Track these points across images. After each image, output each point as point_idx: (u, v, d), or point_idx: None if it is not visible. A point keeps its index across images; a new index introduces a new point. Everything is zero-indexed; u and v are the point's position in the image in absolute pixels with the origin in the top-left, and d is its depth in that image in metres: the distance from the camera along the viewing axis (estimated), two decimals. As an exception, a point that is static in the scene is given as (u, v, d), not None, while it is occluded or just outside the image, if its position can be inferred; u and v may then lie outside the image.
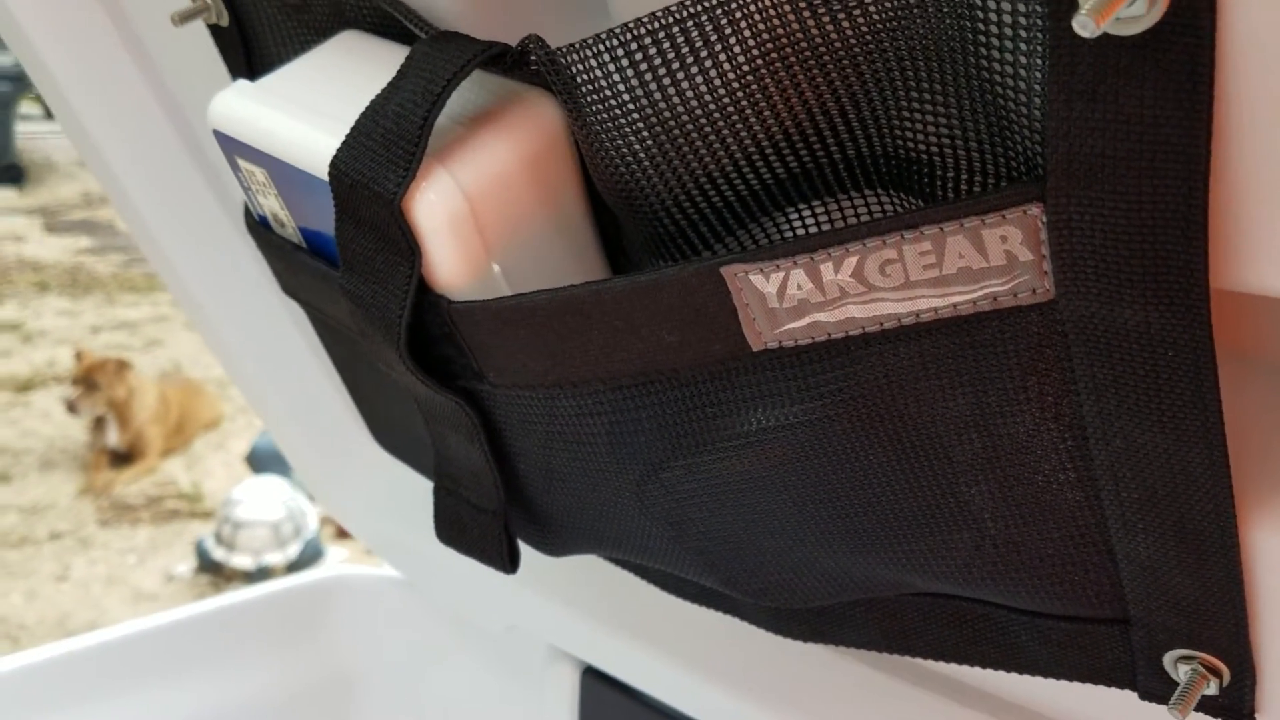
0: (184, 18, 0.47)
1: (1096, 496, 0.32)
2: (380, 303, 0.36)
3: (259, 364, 0.60)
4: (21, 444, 3.18)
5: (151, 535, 2.79)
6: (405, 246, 0.34)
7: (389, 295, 0.35)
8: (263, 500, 2.60)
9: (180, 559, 2.68)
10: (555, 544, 0.44)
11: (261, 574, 2.54)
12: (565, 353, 0.35)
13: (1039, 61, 0.26)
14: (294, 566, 2.56)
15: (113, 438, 3.07)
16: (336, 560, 2.61)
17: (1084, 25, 0.23)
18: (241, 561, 2.55)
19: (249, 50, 0.48)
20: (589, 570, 0.59)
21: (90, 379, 3.01)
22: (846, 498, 0.35)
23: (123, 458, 3.10)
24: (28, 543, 2.74)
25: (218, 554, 2.57)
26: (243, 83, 0.40)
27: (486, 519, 0.42)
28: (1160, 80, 0.24)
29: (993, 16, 0.27)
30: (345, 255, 0.36)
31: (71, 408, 3.01)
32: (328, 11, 0.44)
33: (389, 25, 0.42)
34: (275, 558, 2.56)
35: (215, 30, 0.49)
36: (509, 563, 0.42)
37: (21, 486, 2.98)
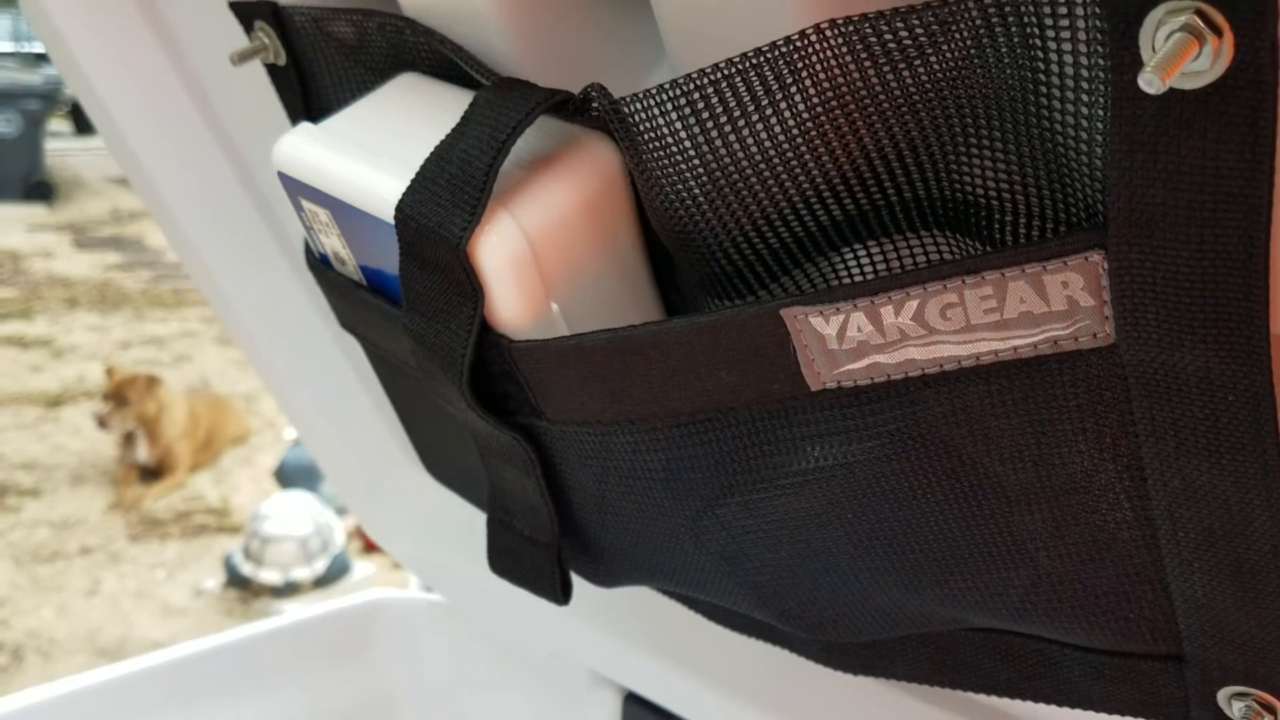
0: (242, 57, 0.48)
1: (1153, 535, 0.33)
2: (443, 342, 0.37)
3: (308, 392, 0.61)
4: (52, 459, 3.21)
5: (180, 550, 2.82)
6: (469, 288, 0.35)
7: (452, 335, 0.36)
8: (290, 515, 2.61)
9: (208, 574, 2.70)
10: (607, 576, 0.45)
11: (289, 588, 2.55)
12: (623, 391, 0.36)
13: (1100, 112, 0.27)
14: (321, 581, 2.58)
15: (142, 453, 3.10)
16: (363, 575, 2.63)
17: (1150, 82, 0.24)
18: (269, 576, 2.56)
19: (305, 89, 0.49)
20: (632, 596, 0.60)
21: (121, 394, 3.04)
22: (902, 535, 0.36)
23: (152, 473, 3.13)
24: (59, 557, 2.77)
25: (246, 569, 2.59)
26: (306, 125, 0.41)
27: (540, 551, 0.42)
28: (1222, 132, 0.24)
29: (1054, 69, 0.27)
30: (409, 295, 0.37)
31: (102, 423, 3.04)
32: (384, 53, 0.45)
33: (446, 67, 0.42)
34: (303, 572, 2.57)
35: (272, 70, 0.50)
36: (561, 594, 0.42)
37: (52, 501, 3.01)
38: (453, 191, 0.34)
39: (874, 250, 0.35)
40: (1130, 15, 0.24)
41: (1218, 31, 0.23)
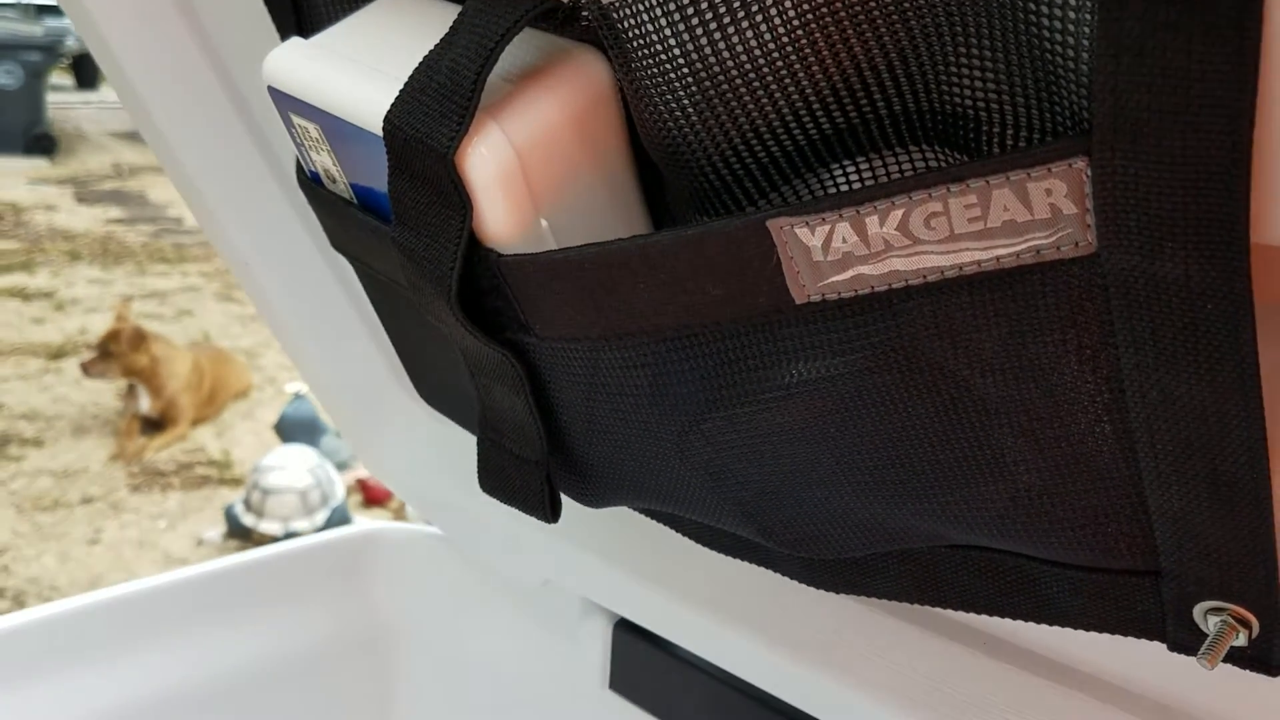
0: None
1: (1131, 449, 0.33)
2: (432, 255, 0.37)
3: (302, 320, 0.61)
4: (54, 410, 3.23)
5: (182, 501, 2.84)
6: (457, 200, 0.35)
7: (441, 248, 0.36)
8: (291, 468, 2.63)
9: (210, 524, 2.72)
10: (595, 495, 0.45)
11: (289, 540, 2.57)
12: (611, 306, 0.36)
13: (1087, 17, 0.27)
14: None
15: (145, 405, 3.11)
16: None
17: None
18: (270, 527, 2.58)
19: (297, 6, 0.49)
20: (622, 524, 0.60)
21: (105, 346, 3.05)
22: (884, 449, 0.36)
23: (155, 425, 3.14)
24: (60, 506, 2.79)
25: (247, 520, 2.61)
26: (296, 40, 0.41)
27: (529, 469, 0.43)
28: (1208, 36, 0.24)
29: None
30: (398, 209, 0.37)
31: (85, 370, 3.06)
32: None
33: None
34: (303, 524, 2.59)
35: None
36: (550, 512, 0.43)
37: (54, 451, 3.03)
38: (441, 102, 0.34)
39: (863, 165, 0.35)
40: None
41: None
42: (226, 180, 0.57)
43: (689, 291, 0.34)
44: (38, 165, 5.87)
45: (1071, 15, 0.27)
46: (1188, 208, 0.27)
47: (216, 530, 2.68)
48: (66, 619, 0.66)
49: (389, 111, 0.36)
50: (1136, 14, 0.25)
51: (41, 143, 5.93)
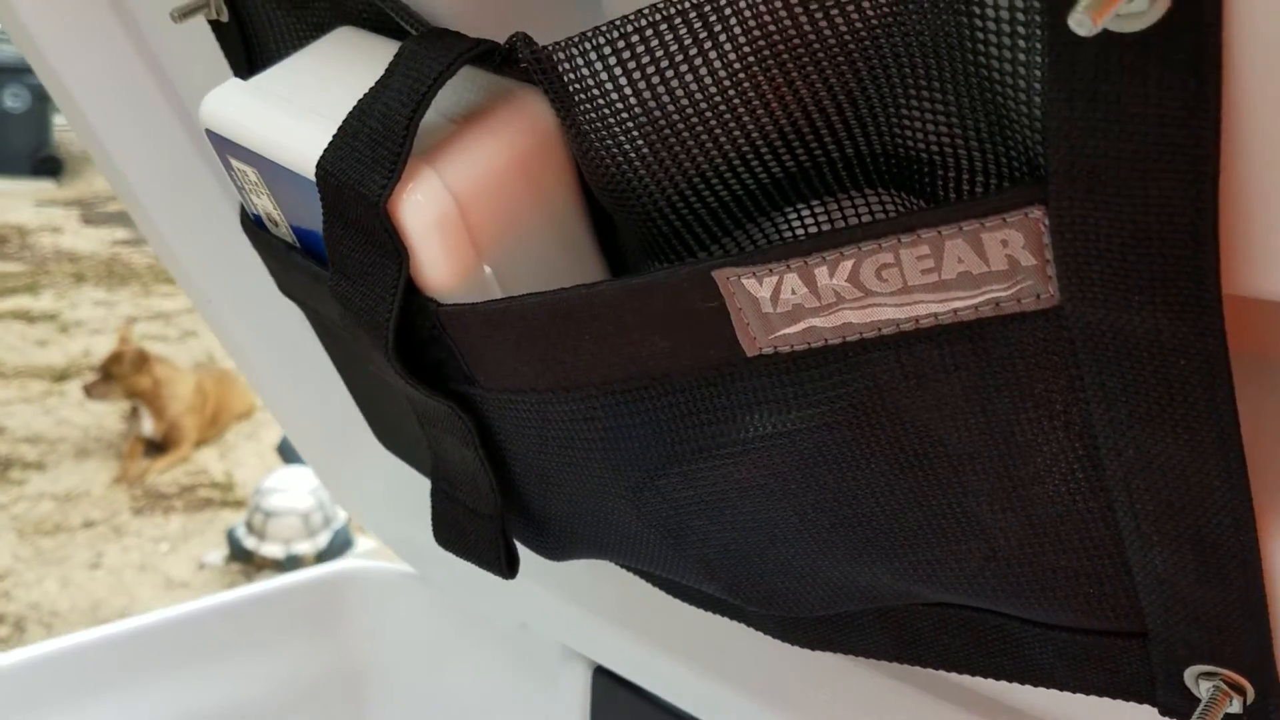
0: (183, 13, 0.47)
1: (1109, 507, 0.31)
2: (368, 305, 0.35)
3: (269, 357, 0.60)
4: (57, 433, 3.22)
5: (184, 523, 2.82)
6: (392, 248, 0.33)
7: (377, 297, 0.35)
8: (293, 490, 2.62)
9: (212, 547, 2.70)
10: (554, 548, 0.43)
11: (292, 562, 2.56)
12: (557, 357, 0.34)
13: (1038, 59, 0.25)
14: (323, 556, 2.58)
15: (148, 427, 3.10)
16: (364, 550, 2.63)
17: (1080, 23, 0.22)
18: (272, 550, 2.57)
19: (249, 47, 0.48)
20: (600, 570, 0.59)
21: (107, 369, 3.05)
22: (848, 507, 0.34)
23: (158, 447, 3.13)
24: (61, 530, 2.78)
25: (249, 543, 2.60)
26: (235, 81, 0.40)
27: (483, 523, 0.41)
28: (1164, 79, 0.23)
29: (989, 13, 0.26)
30: (334, 256, 0.36)
31: (87, 392, 3.06)
32: (327, 7, 0.43)
33: (387, 22, 0.41)
34: (305, 547, 2.58)
35: (216, 26, 0.49)
36: (506, 568, 0.41)
37: (56, 475, 3.02)
38: (373, 147, 0.33)
39: (817, 210, 0.34)
40: None
41: None
42: (187, 216, 0.56)
43: (636, 343, 0.33)
44: (44, 187, 5.89)
45: (1022, 57, 0.26)
46: (1153, 258, 0.25)
47: (218, 553, 2.67)
48: (30, 666, 0.65)
49: (321, 157, 0.34)
50: (1089, 57, 0.24)
51: (48, 165, 5.95)
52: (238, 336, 0.60)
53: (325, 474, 0.66)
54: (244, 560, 2.62)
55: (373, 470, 0.66)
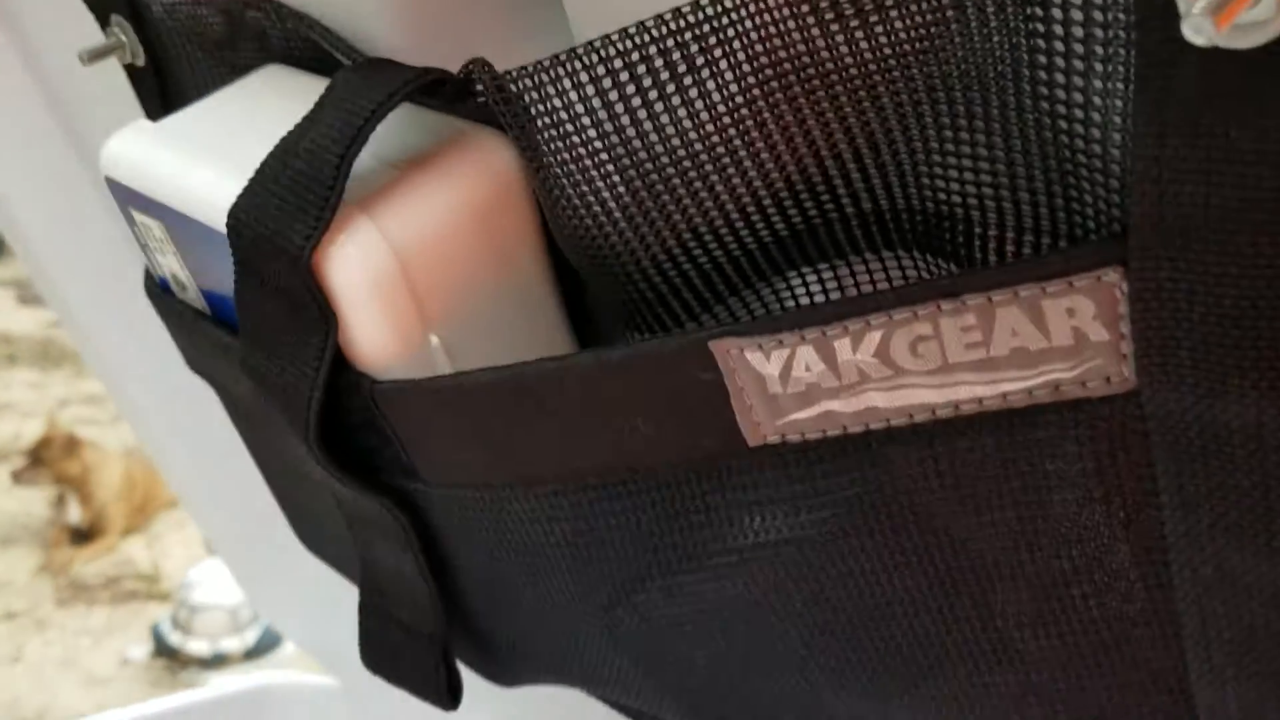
0: (94, 56, 0.42)
1: (1175, 634, 0.26)
2: (286, 382, 0.29)
3: (178, 439, 0.53)
4: (-20, 520, 3.08)
5: (108, 616, 2.70)
6: (317, 314, 0.28)
7: (297, 374, 0.29)
8: (221, 583, 2.50)
9: (136, 642, 2.58)
10: (506, 674, 0.37)
11: (218, 660, 2.45)
12: (517, 445, 0.28)
13: (1120, 86, 0.20)
14: (252, 653, 2.46)
15: (74, 514, 2.99)
16: (294, 650, 2.51)
17: (1199, 29, 0.17)
18: (197, 647, 2.45)
19: (166, 93, 0.42)
20: (559, 699, 0.52)
21: (37, 453, 2.96)
22: (863, 629, 0.29)
23: (84, 535, 3.01)
24: (-19, 622, 2.64)
25: (174, 638, 2.48)
26: (141, 123, 0.34)
27: (421, 644, 0.35)
28: None
29: (1058, 29, 0.21)
30: (246, 324, 0.30)
31: (15, 477, 2.96)
32: (256, 48, 0.38)
33: (324, 62, 0.36)
34: (232, 643, 2.46)
35: (131, 71, 0.43)
36: (447, 697, 0.35)
37: (-22, 564, 2.88)
38: (296, 192, 0.27)
39: (826, 274, 0.29)
40: None
41: None
42: (89, 279, 0.49)
43: (615, 429, 0.27)
44: (-22, 266, 5.75)
45: (1097, 84, 0.21)
46: (1261, 333, 0.21)
47: (143, 648, 2.54)
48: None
49: (234, 204, 0.28)
50: (1188, 81, 0.19)
51: (-17, 243, 5.83)
52: (146, 417, 0.53)
53: (241, 573, 0.59)
54: (169, 656, 2.50)
55: (294, 571, 0.59)
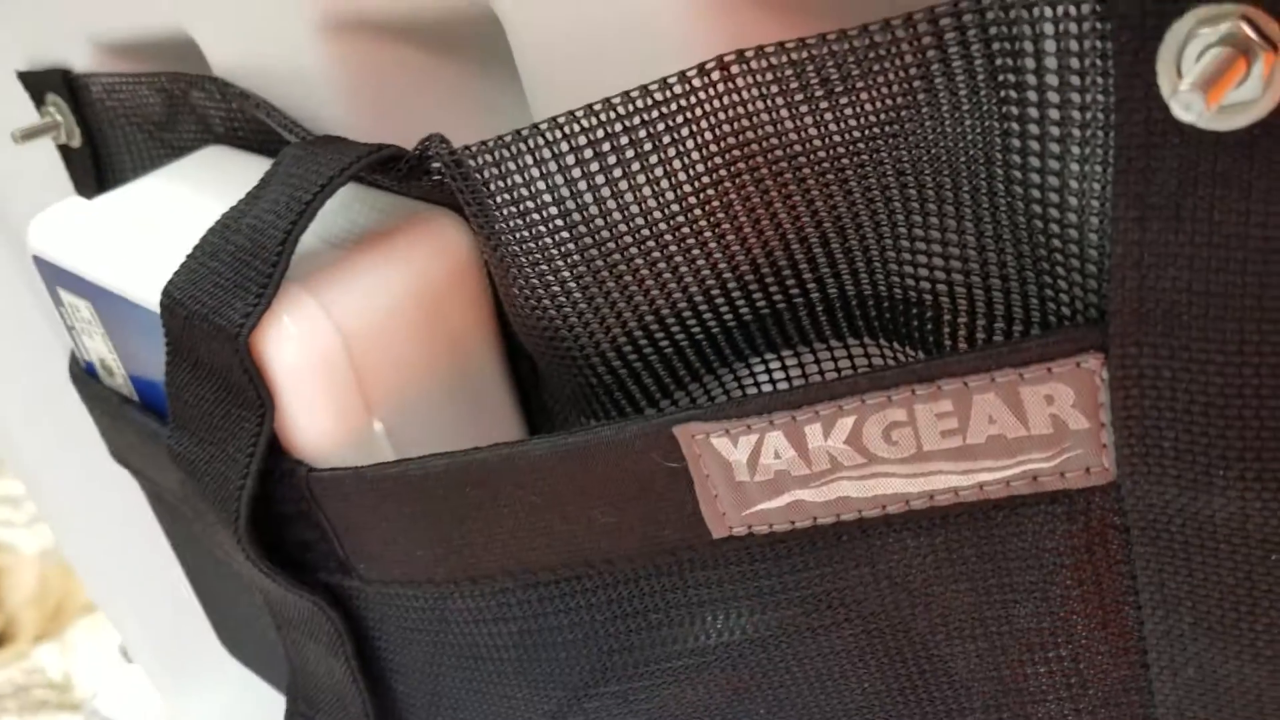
0: (27, 135, 0.40)
1: None
2: (216, 470, 0.27)
3: (100, 540, 0.50)
4: (-123, 628, 2.92)
5: (13, 730, 2.55)
6: (253, 396, 0.26)
7: (228, 460, 0.27)
8: (134, 694, 2.38)
9: (40, 759, 2.43)
10: (444, 790, 0.34)
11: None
12: (464, 538, 0.27)
13: (1098, 169, 0.20)
14: (166, 770, 2.34)
15: (-19, 621, 2.84)
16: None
17: (1188, 105, 0.17)
18: (108, 763, 2.31)
19: (101, 173, 0.41)
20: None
21: None
22: None
23: (-10, 643, 2.86)
24: (-127, 739, 2.47)
25: (82, 753, 2.34)
26: (73, 200, 0.33)
27: (354, 758, 0.32)
28: (1274, 190, 0.18)
29: (1033, 112, 0.21)
30: (176, 408, 0.28)
31: None
32: (198, 129, 0.37)
33: (269, 144, 0.35)
34: (145, 759, 2.33)
35: (65, 152, 0.42)
36: (382, 818, 0.32)
37: (-128, 676, 2.71)
38: (237, 268, 0.26)
39: (790, 362, 0.28)
40: (1146, 29, 0.18)
41: (1272, 46, 0.17)
42: (14, 381, 0.47)
43: (570, 520, 0.25)
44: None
45: (1074, 168, 0.20)
46: (1247, 423, 0.20)
47: (46, 767, 2.39)
48: None
49: (170, 281, 0.27)
50: (1170, 163, 0.18)
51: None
52: (65, 518, 0.50)
53: (161, 684, 0.56)
54: (75, 775, 2.35)
55: (217, 682, 0.55)
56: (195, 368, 0.27)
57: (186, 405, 0.28)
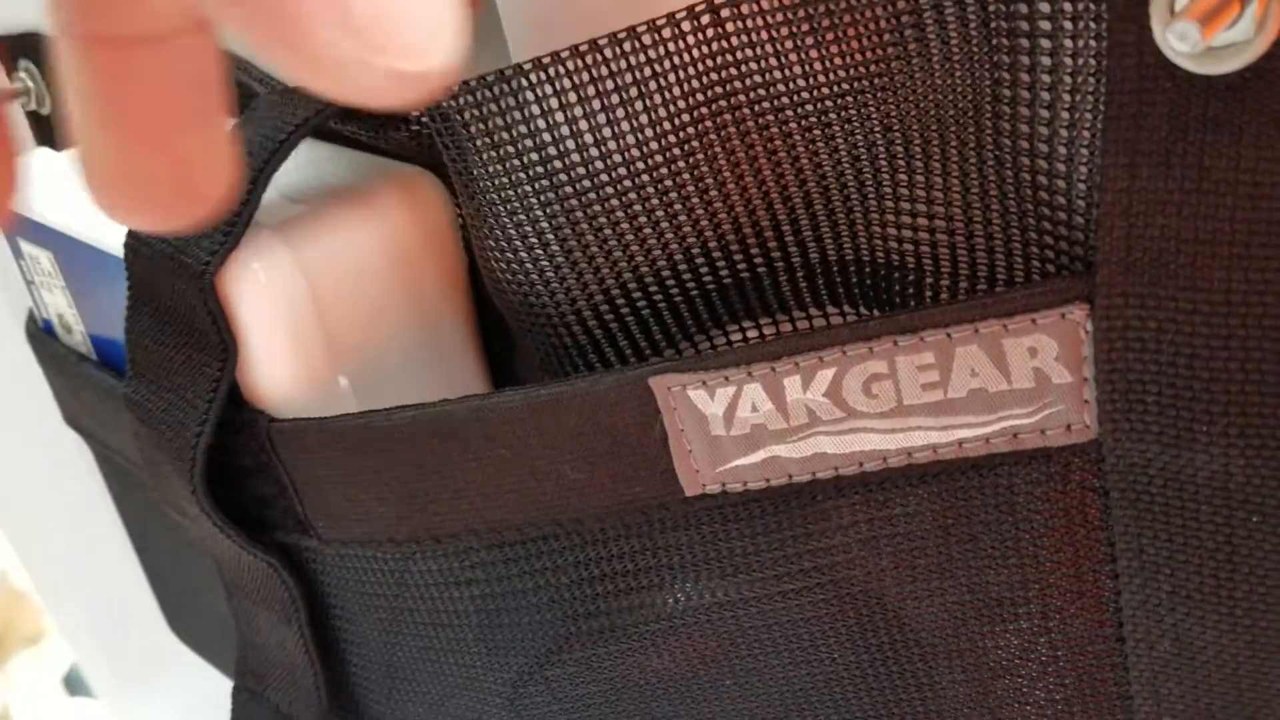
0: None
1: (1129, 717, 0.24)
2: (174, 417, 0.26)
3: (47, 540, 0.48)
4: None
5: (-56, 764, 2.46)
6: (216, 339, 0.25)
7: (187, 406, 0.26)
8: (76, 727, 2.31)
9: (-28, 794, 2.35)
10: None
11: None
12: (429, 494, 0.26)
13: (1089, 117, 0.20)
14: (102, 807, 2.26)
15: (-84, 651, 2.76)
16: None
17: (1184, 35, 0.17)
18: (43, 798, 2.24)
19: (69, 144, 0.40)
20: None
21: None
22: (803, 709, 0.26)
23: (-76, 674, 2.78)
24: None
25: (17, 789, 2.26)
26: (44, 151, 0.32)
27: (300, 735, 0.31)
28: (1263, 135, 0.18)
29: (1024, 59, 0.20)
30: (135, 356, 0.27)
31: None
32: None
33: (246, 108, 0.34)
34: (82, 795, 2.25)
35: (35, 119, 0.41)
36: (328, 800, 0.31)
37: None
38: None
39: (767, 329, 0.27)
40: None
41: None
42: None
43: (539, 475, 0.25)
44: None
45: (1064, 116, 0.20)
46: (1233, 375, 0.20)
47: (-22, 802, 2.31)
48: None
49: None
50: (1160, 108, 0.18)
51: None
52: (19, 525, 0.48)
53: (110, 699, 0.53)
54: (7, 810, 2.27)
55: (172, 689, 0.53)
56: (157, 313, 0.26)
57: (146, 352, 0.27)
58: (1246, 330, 0.19)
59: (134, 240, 0.26)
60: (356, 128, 0.27)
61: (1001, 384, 0.22)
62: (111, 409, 0.30)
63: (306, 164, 0.29)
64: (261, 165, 0.25)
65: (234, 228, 0.24)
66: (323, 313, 0.26)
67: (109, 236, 0.27)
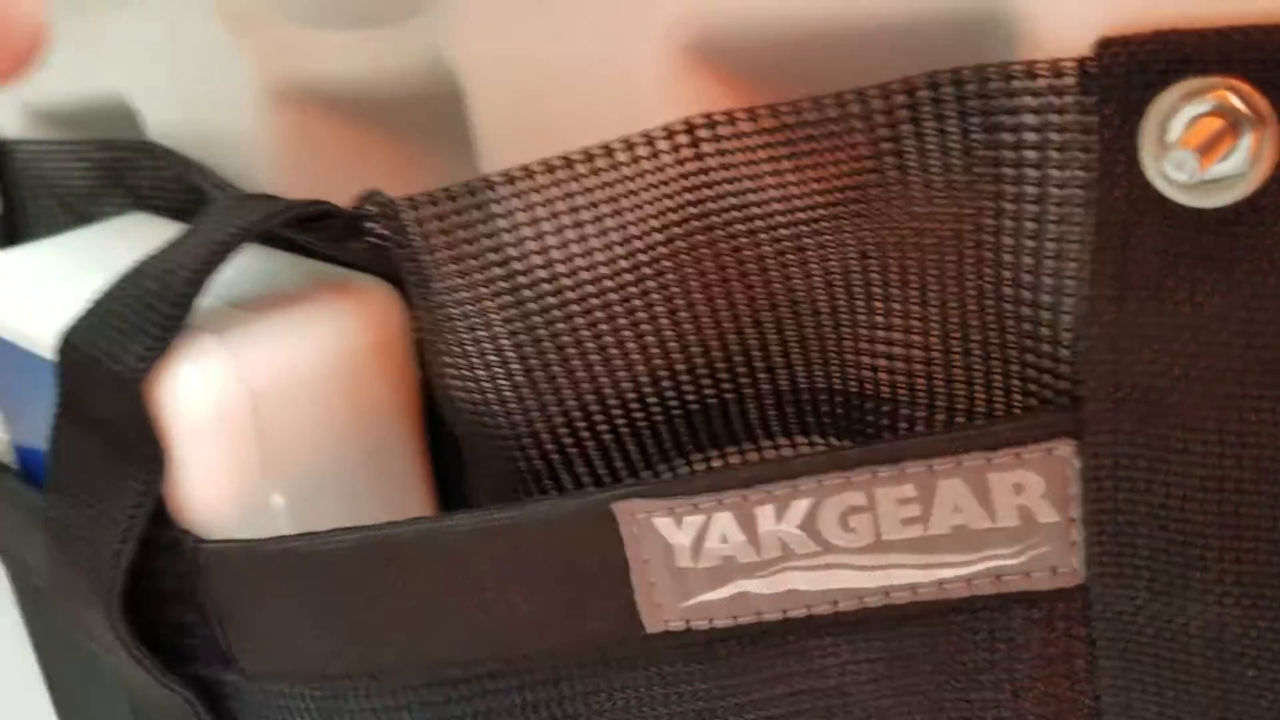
0: None
1: None
2: (92, 534, 0.24)
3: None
4: None
5: None
6: (144, 450, 0.23)
7: (106, 524, 0.24)
8: None
9: None
10: None
11: None
12: (368, 626, 0.24)
13: (1074, 248, 0.19)
14: None
15: None
16: None
17: (1181, 164, 0.16)
18: None
19: (16, 242, 0.39)
20: None
21: None
22: None
23: None
24: None
25: None
26: (-22, 251, 0.31)
27: None
28: (1257, 271, 0.17)
29: (1009, 189, 0.20)
30: (56, 467, 0.25)
31: None
32: (124, 203, 0.35)
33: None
34: None
35: (-31, 222, 0.40)
36: None
37: None
38: (139, 311, 0.24)
39: (733, 459, 0.26)
40: (1130, 102, 0.17)
41: (1260, 120, 0.17)
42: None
43: (489, 608, 0.23)
44: None
45: (1050, 246, 0.20)
46: (1227, 520, 0.19)
47: None
48: None
49: (70, 326, 0.25)
50: (1151, 241, 0.18)
51: None
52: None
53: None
54: None
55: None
56: (82, 422, 0.24)
57: (70, 464, 0.25)
58: (1241, 472, 0.18)
59: (66, 345, 0.24)
60: (313, 237, 0.26)
61: (985, 521, 0.20)
62: (28, 524, 0.28)
63: (259, 271, 0.28)
64: (201, 266, 0.23)
65: (166, 331, 0.23)
66: (261, 424, 0.24)
67: (44, 337, 0.26)
